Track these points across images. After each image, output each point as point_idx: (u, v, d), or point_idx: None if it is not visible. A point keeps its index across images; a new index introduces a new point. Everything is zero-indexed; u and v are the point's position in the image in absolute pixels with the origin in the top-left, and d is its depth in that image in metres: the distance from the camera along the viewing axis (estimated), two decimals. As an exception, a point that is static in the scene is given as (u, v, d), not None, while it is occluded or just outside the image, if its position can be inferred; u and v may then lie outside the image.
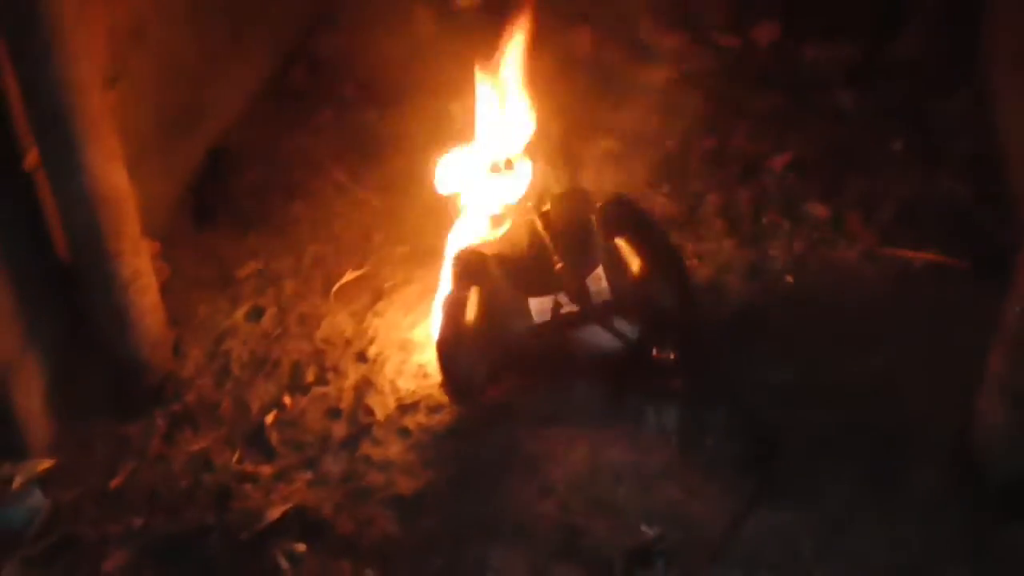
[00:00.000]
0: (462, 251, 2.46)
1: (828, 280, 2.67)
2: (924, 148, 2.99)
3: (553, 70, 3.00)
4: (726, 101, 3.22)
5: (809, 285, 2.66)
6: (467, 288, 2.40)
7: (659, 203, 2.91)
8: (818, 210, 2.84)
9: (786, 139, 3.08)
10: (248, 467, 2.37)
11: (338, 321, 2.67)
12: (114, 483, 2.35)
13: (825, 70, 3.26)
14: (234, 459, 2.38)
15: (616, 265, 2.42)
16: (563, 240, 2.44)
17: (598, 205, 2.50)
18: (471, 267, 2.43)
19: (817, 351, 2.47)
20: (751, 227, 2.83)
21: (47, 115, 2.17)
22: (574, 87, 3.19)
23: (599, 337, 2.39)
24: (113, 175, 2.29)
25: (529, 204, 2.48)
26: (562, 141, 2.90)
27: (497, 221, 2.53)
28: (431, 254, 2.67)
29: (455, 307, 2.38)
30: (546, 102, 2.65)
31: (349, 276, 2.78)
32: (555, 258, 2.40)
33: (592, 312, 2.39)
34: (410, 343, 2.59)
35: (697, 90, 3.26)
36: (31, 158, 2.25)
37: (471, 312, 2.37)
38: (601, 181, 2.87)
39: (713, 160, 3.05)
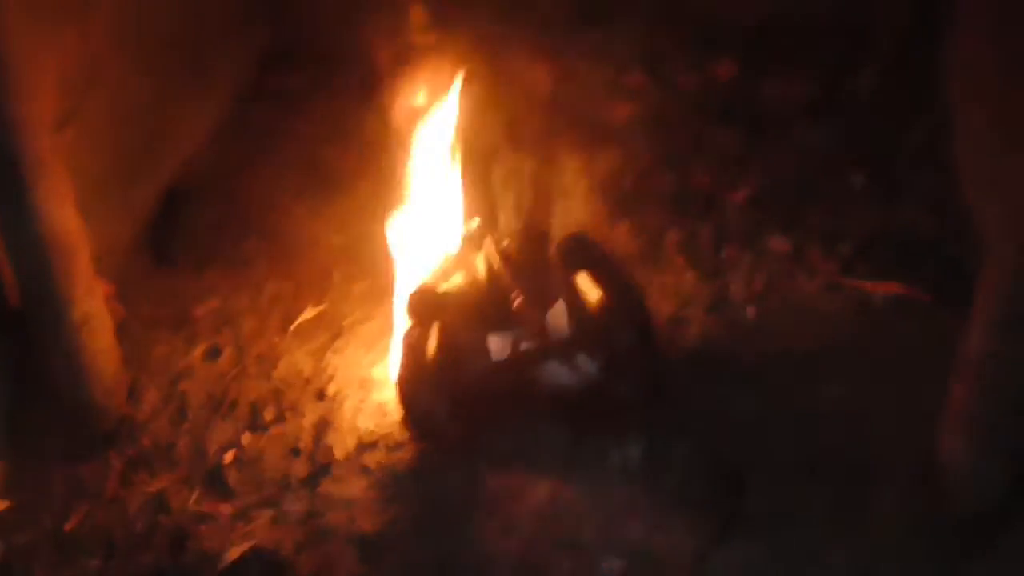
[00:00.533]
0: (419, 288, 2.44)
1: (790, 313, 2.66)
2: (885, 181, 2.99)
3: (512, 108, 2.99)
4: (686, 137, 3.21)
5: (771, 318, 2.65)
6: (426, 325, 2.37)
7: (619, 239, 2.89)
8: (779, 243, 2.83)
9: (746, 174, 3.07)
10: (206, 507, 2.33)
11: (296, 359, 2.64)
12: (68, 526, 2.31)
13: (784, 105, 3.25)
14: (192, 500, 2.35)
15: (576, 301, 2.40)
16: (522, 276, 2.42)
17: (557, 242, 2.48)
18: (428, 304, 2.41)
19: (780, 383, 2.46)
20: (712, 261, 2.82)
21: (-6, 158, 2.14)
22: (533, 125, 3.18)
23: (560, 374, 2.36)
24: (64, 218, 2.26)
25: (488, 241, 2.46)
26: (521, 179, 2.88)
27: (455, 258, 2.50)
28: (391, 291, 2.63)
29: (414, 344, 2.37)
30: (504, 140, 2.64)
31: (308, 313, 2.75)
32: (514, 294, 2.38)
33: (552, 348, 2.37)
34: (369, 381, 2.56)
35: (657, 127, 3.25)
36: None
37: (430, 349, 2.35)
38: (560, 218, 2.85)
39: (673, 196, 3.03)
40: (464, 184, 2.59)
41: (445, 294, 2.42)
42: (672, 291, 2.74)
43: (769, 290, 2.72)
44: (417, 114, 2.64)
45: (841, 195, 2.98)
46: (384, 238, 2.60)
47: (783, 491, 2.26)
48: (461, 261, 2.49)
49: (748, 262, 2.80)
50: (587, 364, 2.37)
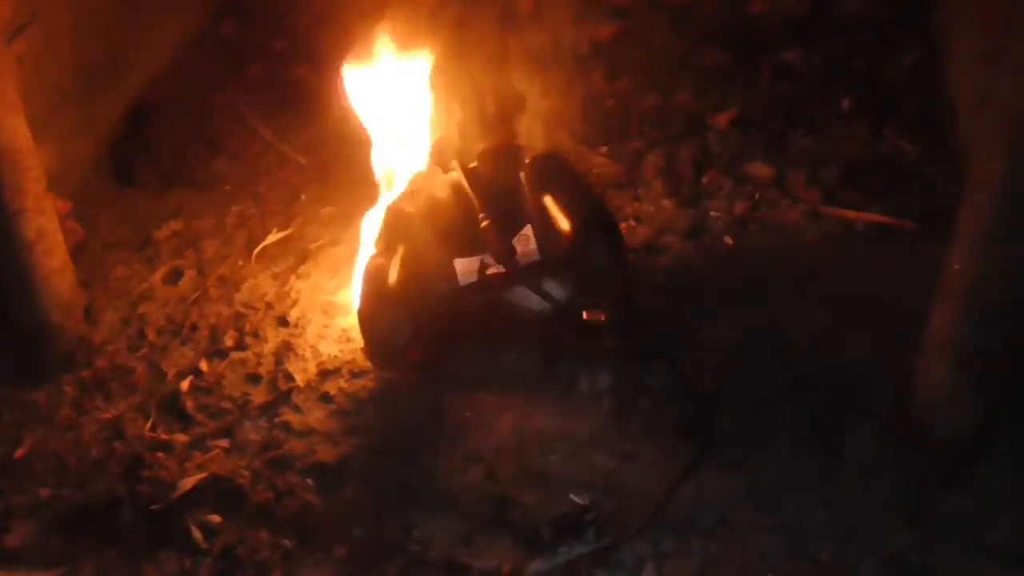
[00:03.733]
0: (385, 210, 2.36)
1: (770, 240, 2.58)
2: (872, 106, 2.90)
3: (492, 27, 2.91)
4: (670, 57, 3.13)
5: (750, 245, 2.58)
6: (390, 249, 2.30)
7: (597, 162, 2.83)
8: (761, 170, 2.75)
9: (730, 96, 2.99)
10: (162, 435, 2.27)
11: (260, 284, 2.58)
12: (19, 452, 2.26)
13: (772, 26, 3.16)
14: (147, 427, 2.29)
15: (545, 224, 2.31)
16: (490, 198, 2.33)
17: (527, 162, 2.39)
18: (394, 226, 2.34)
19: (757, 311, 2.39)
20: (691, 187, 2.74)
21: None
22: (515, 45, 3.09)
23: (528, 299, 2.28)
24: (11, 129, 2.18)
25: (455, 161, 2.37)
26: (496, 97, 2.80)
27: (420, 178, 2.42)
28: (359, 215, 2.55)
29: (377, 269, 2.29)
30: (482, 60, 2.55)
31: (273, 237, 2.69)
32: (481, 216, 2.30)
33: (520, 273, 2.28)
34: (333, 306, 2.50)
35: (641, 47, 3.17)
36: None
37: (394, 274, 2.27)
38: (537, 139, 2.76)
39: (655, 118, 2.95)
40: (433, 103, 2.50)
41: (410, 217, 2.34)
42: (649, 217, 2.66)
43: (749, 217, 2.64)
44: (389, 32, 2.54)
45: (826, 120, 2.90)
46: (353, 160, 2.52)
47: (758, 420, 2.19)
48: (427, 182, 2.39)
49: (728, 188, 2.72)
50: (556, 289, 2.28)
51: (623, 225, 2.58)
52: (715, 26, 3.20)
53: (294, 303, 2.51)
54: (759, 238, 2.59)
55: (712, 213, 2.65)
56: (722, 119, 2.90)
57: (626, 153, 2.85)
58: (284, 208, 2.78)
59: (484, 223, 2.29)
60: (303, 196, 2.79)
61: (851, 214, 2.61)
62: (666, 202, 2.70)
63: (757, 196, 2.69)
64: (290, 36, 3.23)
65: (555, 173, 2.39)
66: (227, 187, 2.84)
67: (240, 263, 2.64)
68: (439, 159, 2.45)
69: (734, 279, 2.49)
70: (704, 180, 2.75)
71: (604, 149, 2.87)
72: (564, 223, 2.30)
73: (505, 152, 2.43)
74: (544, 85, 2.99)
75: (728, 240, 2.58)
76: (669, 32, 3.22)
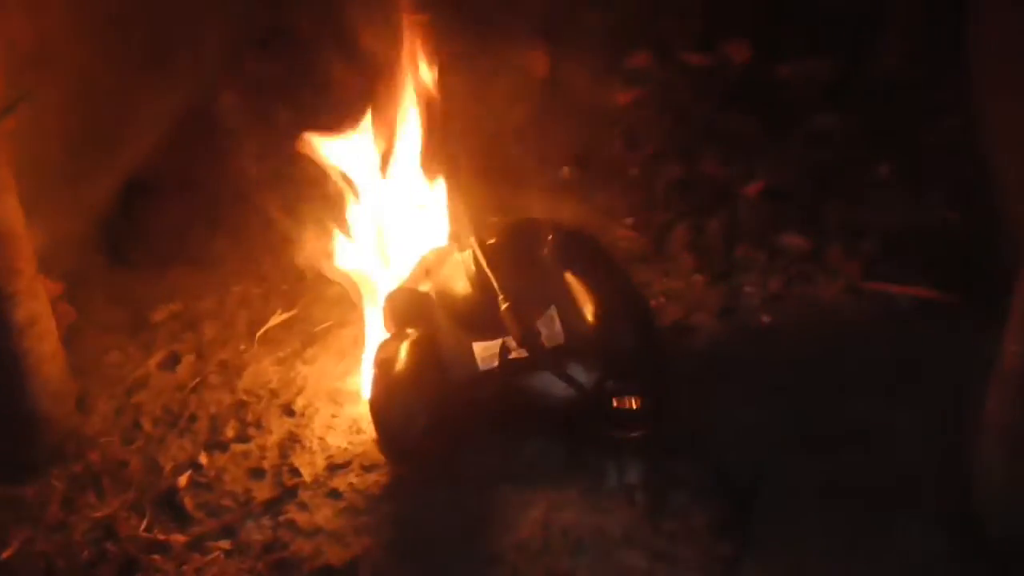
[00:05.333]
0: (396, 290, 2.21)
1: (807, 318, 2.43)
2: (910, 173, 2.76)
3: (507, 92, 2.79)
4: (695, 124, 3.01)
5: (787, 324, 2.42)
6: (403, 332, 2.15)
7: (622, 235, 2.68)
8: (796, 242, 2.60)
9: (760, 164, 2.85)
10: (158, 535, 2.11)
11: (263, 369, 2.42)
12: (5, 554, 2.10)
13: (802, 90, 3.03)
14: (142, 527, 2.13)
15: (570, 304, 2.16)
16: (510, 276, 2.17)
17: (550, 237, 2.24)
18: (407, 308, 2.19)
19: (795, 395, 2.23)
20: (723, 261, 2.59)
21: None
22: (529, 110, 2.97)
23: (552, 385, 2.11)
24: (3, 208, 2.07)
25: (471, 236, 2.22)
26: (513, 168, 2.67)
27: (435, 255, 2.27)
28: (367, 294, 2.41)
29: (389, 353, 2.13)
30: (497, 125, 2.42)
31: (276, 319, 2.54)
32: (501, 297, 2.14)
33: (543, 357, 2.12)
34: (342, 394, 2.34)
35: (664, 113, 3.05)
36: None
37: (407, 359, 2.12)
38: (557, 212, 2.62)
39: (681, 188, 2.82)
40: (448, 176, 2.37)
41: (425, 297, 2.19)
42: (679, 294, 2.51)
43: (785, 293, 2.49)
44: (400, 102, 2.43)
45: (863, 188, 2.75)
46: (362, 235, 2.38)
47: (798, 516, 2.03)
48: (443, 260, 2.25)
49: (762, 262, 2.58)
50: (583, 374, 2.12)
51: (652, 303, 2.43)
52: (741, 90, 3.08)
53: (300, 390, 2.36)
54: (795, 315, 2.44)
55: (746, 289, 2.50)
56: (752, 188, 2.76)
57: (652, 225, 2.71)
58: (289, 287, 2.64)
59: (504, 304, 2.13)
60: (307, 275, 2.63)
61: (893, 288, 2.46)
62: (696, 277, 2.55)
63: (792, 270, 2.53)
64: (292, 106, 3.09)
65: (580, 249, 2.24)
66: (227, 266, 2.70)
67: (242, 347, 2.49)
68: (454, 235, 2.30)
69: (770, 360, 2.33)
70: (736, 253, 2.60)
71: (628, 221, 2.73)
72: (591, 303, 2.14)
73: (525, 227, 2.27)
74: (562, 153, 2.88)
75: (765, 318, 2.43)
76: (692, 96, 3.09)
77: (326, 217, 2.46)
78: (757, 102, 3.03)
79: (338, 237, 2.40)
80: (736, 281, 2.53)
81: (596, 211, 2.75)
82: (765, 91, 3.07)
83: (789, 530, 2.01)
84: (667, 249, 2.64)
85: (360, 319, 2.39)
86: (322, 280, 2.57)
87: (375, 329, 2.29)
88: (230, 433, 2.29)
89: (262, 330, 2.52)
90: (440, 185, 2.40)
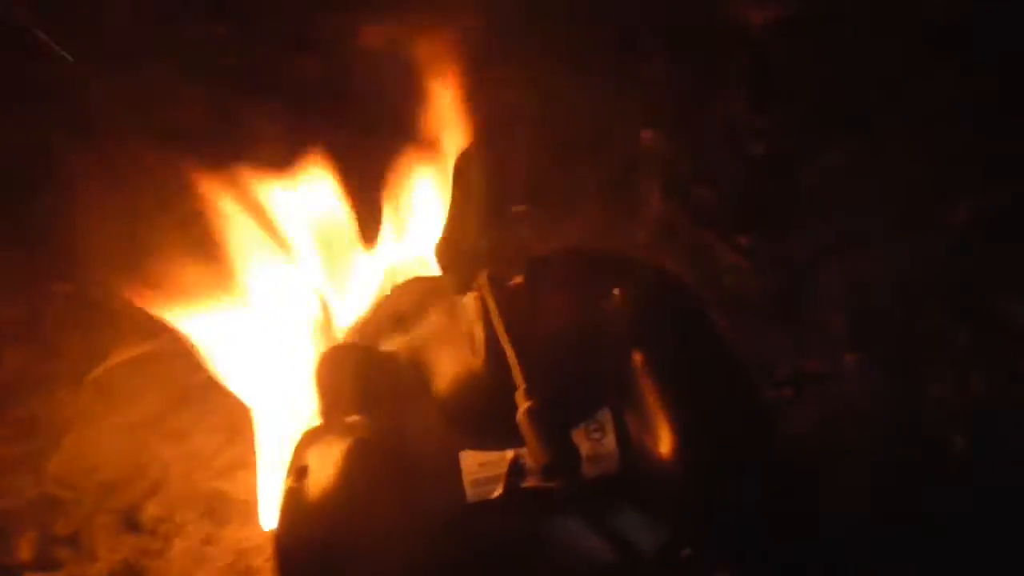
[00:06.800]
0: (338, 345, 1.32)
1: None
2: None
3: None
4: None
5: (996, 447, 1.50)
6: (341, 420, 1.24)
7: (729, 264, 1.77)
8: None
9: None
10: None
11: (93, 442, 1.56)
12: None
13: None
14: None
15: (639, 409, 1.23)
16: (543, 349, 1.24)
17: (618, 290, 1.29)
18: (355, 378, 1.28)
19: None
20: (898, 335, 1.65)
21: None
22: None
23: (587, 541, 1.21)
24: None
25: (483, 273, 1.29)
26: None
27: (413, 291, 1.38)
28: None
29: (316, 458, 1.23)
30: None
31: (123, 353, 1.66)
32: (520, 384, 1.21)
33: (579, 493, 1.21)
34: (225, 502, 1.48)
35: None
36: None
37: (346, 471, 1.20)
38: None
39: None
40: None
41: (387, 361, 1.29)
42: (819, 389, 1.60)
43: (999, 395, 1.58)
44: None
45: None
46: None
47: None
48: (427, 303, 1.34)
49: (961, 341, 1.65)
50: (643, 532, 1.20)
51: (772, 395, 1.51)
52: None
53: (155, 488, 1.52)
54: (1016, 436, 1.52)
55: (931, 389, 1.57)
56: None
57: (782, 254, 1.78)
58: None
59: (527, 401, 1.20)
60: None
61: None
62: (849, 358, 1.61)
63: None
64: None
65: (668, 311, 1.30)
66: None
67: (61, 396, 1.63)
68: (451, 267, 1.38)
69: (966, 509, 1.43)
70: (918, 322, 1.67)
71: (742, 240, 1.81)
72: (674, 412, 1.21)
73: (578, 264, 1.35)
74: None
75: (959, 440, 1.50)
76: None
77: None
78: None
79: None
80: (916, 373, 1.58)
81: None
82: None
83: None
84: (807, 298, 1.70)
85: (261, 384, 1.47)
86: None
87: (292, 409, 1.36)
88: (23, 554, 1.39)
89: (98, 370, 1.61)
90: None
